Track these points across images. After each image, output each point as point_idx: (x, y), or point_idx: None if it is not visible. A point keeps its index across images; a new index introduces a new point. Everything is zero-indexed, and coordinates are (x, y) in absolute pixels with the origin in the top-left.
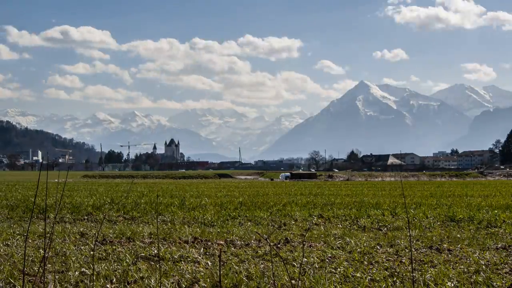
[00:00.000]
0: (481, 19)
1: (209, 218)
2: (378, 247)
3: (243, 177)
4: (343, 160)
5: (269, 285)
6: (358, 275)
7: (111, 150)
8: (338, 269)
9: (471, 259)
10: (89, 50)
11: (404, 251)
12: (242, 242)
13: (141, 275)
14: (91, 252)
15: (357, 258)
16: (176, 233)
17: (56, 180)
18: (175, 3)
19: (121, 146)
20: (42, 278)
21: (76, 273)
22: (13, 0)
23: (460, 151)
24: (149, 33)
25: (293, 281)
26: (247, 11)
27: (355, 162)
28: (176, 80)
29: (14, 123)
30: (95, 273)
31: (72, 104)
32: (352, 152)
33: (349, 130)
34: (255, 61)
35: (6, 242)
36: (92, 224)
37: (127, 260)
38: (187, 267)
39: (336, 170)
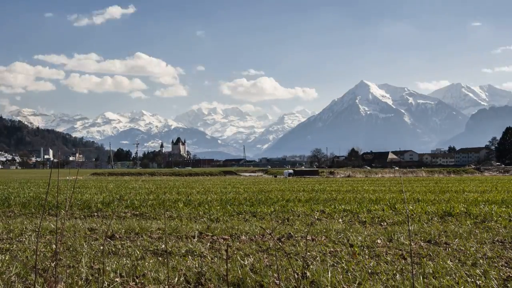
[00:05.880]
0: None
1: (215, 214)
2: (378, 241)
3: (247, 174)
4: (344, 157)
5: (273, 278)
6: (359, 268)
7: (119, 148)
8: (340, 263)
9: (468, 252)
10: None
11: (403, 245)
12: (247, 237)
13: (149, 269)
14: (101, 247)
15: (358, 252)
16: (183, 229)
17: (67, 177)
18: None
19: (135, 144)
20: (54, 273)
21: (86, 267)
22: None
23: (457, 148)
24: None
25: (296, 275)
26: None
27: (355, 159)
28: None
29: (26, 123)
30: (105, 267)
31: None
32: (353, 150)
33: (350, 128)
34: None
35: (19, 238)
36: (101, 220)
37: (136, 255)
38: (194, 261)
39: (345, 168)
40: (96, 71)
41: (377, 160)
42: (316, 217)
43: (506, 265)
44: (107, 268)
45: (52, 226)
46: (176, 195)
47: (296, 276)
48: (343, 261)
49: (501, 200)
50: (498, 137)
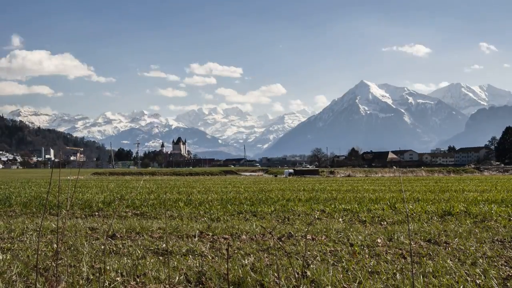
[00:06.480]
0: None
1: (215, 213)
2: (379, 240)
3: (248, 173)
4: (344, 156)
5: (273, 278)
6: (359, 267)
7: (120, 148)
8: (340, 262)
9: (468, 251)
10: None
11: (403, 244)
12: (248, 236)
13: (150, 268)
14: (102, 247)
15: (358, 251)
16: (183, 228)
17: (68, 177)
18: None
19: (136, 144)
20: (55, 272)
21: (88, 267)
22: None
23: (457, 148)
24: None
25: (296, 274)
26: None
27: (355, 159)
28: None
29: (27, 123)
30: (105, 266)
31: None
32: (353, 149)
33: (350, 128)
34: None
35: (20, 237)
36: (102, 220)
37: (137, 254)
38: (195, 261)
39: (345, 168)
40: None
41: (377, 159)
42: (316, 216)
43: (505, 264)
44: (108, 267)
45: (53, 225)
46: (176, 195)
47: (296, 275)
48: (343, 260)
49: (501, 200)
50: (498, 136)
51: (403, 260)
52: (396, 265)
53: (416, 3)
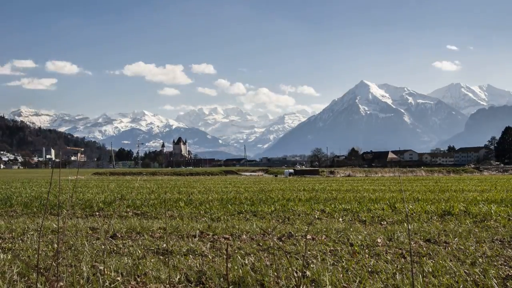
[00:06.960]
0: None
1: (216, 213)
2: (378, 240)
3: (248, 173)
4: (344, 156)
5: (274, 277)
6: (359, 267)
7: (121, 148)
8: (340, 262)
9: (468, 251)
10: None
11: (403, 244)
12: (248, 236)
13: (150, 268)
14: (103, 247)
15: (358, 251)
16: (184, 228)
17: (68, 177)
18: None
19: (137, 144)
20: (55, 272)
21: (88, 266)
22: None
23: (456, 147)
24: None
25: (296, 274)
26: None
27: (355, 159)
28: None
29: (28, 123)
30: (106, 266)
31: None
32: (353, 149)
33: (350, 128)
34: None
35: (21, 237)
36: (103, 220)
37: (137, 254)
38: (195, 260)
39: (345, 167)
40: None
41: (377, 159)
42: (316, 216)
43: (505, 264)
44: (108, 267)
45: (54, 225)
46: (177, 195)
47: (296, 275)
48: (343, 260)
49: (500, 199)
50: (497, 136)
51: (403, 259)
52: (396, 265)
53: None
